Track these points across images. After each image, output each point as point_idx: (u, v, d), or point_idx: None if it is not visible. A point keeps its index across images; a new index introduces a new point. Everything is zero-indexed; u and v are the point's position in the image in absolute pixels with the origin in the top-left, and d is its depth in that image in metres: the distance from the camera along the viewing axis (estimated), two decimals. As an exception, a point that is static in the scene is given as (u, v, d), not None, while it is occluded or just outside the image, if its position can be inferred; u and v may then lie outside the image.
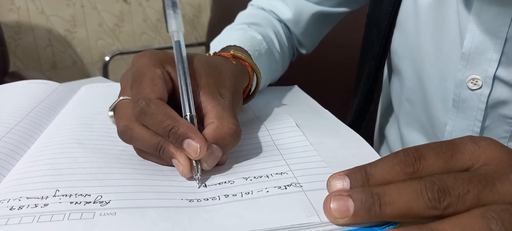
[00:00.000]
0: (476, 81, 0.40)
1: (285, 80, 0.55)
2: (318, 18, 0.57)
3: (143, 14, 1.66)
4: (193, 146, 0.28)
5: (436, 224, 0.21)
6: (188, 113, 0.30)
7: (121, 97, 0.33)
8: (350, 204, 0.22)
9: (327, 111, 0.43)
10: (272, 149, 0.32)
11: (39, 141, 0.35)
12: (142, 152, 0.32)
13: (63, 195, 0.26)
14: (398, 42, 0.49)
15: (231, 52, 0.39)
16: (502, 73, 0.39)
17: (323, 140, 0.34)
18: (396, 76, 0.52)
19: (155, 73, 0.32)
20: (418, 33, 0.45)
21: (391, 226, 0.23)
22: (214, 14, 1.33)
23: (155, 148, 0.29)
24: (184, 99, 0.31)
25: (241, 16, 0.56)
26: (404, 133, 0.53)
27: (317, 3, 0.55)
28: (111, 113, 0.34)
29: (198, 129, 0.29)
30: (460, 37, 0.41)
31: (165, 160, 0.30)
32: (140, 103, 0.29)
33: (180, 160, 0.28)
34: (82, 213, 0.24)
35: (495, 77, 0.39)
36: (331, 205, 0.23)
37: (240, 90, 0.37)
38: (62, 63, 1.58)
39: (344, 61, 0.97)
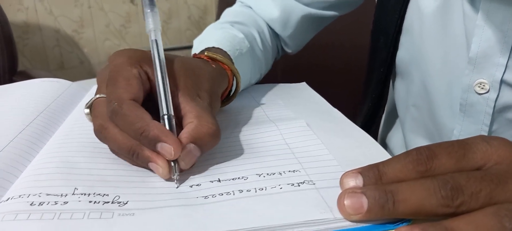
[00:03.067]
0: (484, 86, 0.40)
1: (291, 82, 0.55)
2: (307, 20, 0.56)
3: (150, 15, 1.67)
4: (166, 147, 0.27)
5: (450, 222, 0.21)
6: (165, 113, 0.30)
7: (97, 95, 0.32)
8: (364, 201, 0.23)
9: (336, 110, 0.43)
10: (284, 147, 0.33)
11: (54, 139, 0.36)
12: (115, 152, 0.31)
13: (81, 194, 0.26)
14: (404, 48, 0.49)
15: (206, 53, 0.39)
16: (510, 77, 0.39)
17: (333, 139, 0.34)
18: (402, 82, 0.52)
19: (131, 73, 0.31)
20: (423, 40, 0.45)
21: (404, 223, 0.23)
22: (219, 16, 1.33)
23: (127, 151, 0.29)
24: (162, 99, 0.30)
25: (226, 14, 0.57)
26: (410, 138, 0.53)
27: (307, 5, 0.55)
28: (87, 110, 0.33)
29: (176, 130, 0.29)
30: (467, 42, 0.41)
31: (139, 164, 0.30)
32: (112, 104, 0.29)
33: (158, 162, 0.28)
34: (101, 212, 0.25)
35: (502, 82, 0.39)
36: (345, 202, 0.23)
37: (218, 93, 0.37)
38: (69, 63, 1.60)
39: (350, 64, 0.98)
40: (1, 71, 1.16)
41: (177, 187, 0.28)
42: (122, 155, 0.31)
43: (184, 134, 0.29)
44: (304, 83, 0.54)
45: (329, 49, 1.03)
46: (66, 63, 1.59)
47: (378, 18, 0.52)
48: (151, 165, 0.29)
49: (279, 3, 0.55)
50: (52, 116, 0.41)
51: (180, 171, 0.28)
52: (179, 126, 0.31)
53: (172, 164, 0.28)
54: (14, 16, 1.44)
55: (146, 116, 0.29)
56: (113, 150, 0.31)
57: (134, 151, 0.29)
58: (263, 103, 0.44)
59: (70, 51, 1.59)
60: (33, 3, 1.47)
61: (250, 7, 0.57)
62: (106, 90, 0.31)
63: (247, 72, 0.48)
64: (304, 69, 0.99)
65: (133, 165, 0.31)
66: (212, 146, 0.30)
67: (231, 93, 0.42)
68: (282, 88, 0.51)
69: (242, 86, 0.46)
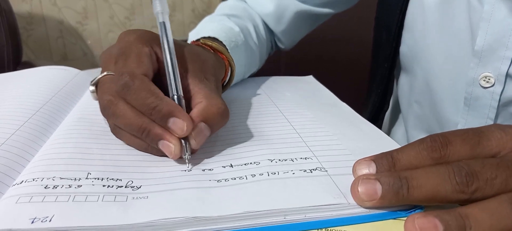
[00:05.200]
0: (489, 79, 0.40)
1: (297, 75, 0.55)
2: (301, 16, 0.56)
3: (154, 8, 1.67)
4: (179, 123, 0.27)
5: (464, 209, 0.21)
6: (175, 94, 0.30)
7: (104, 73, 0.31)
8: (378, 187, 0.23)
9: (344, 103, 0.43)
10: (295, 136, 0.33)
11: (64, 125, 0.36)
12: (119, 130, 0.30)
13: (95, 178, 0.27)
14: (407, 44, 0.49)
15: (201, 41, 0.39)
16: None
17: (343, 131, 0.34)
18: (405, 78, 0.52)
19: (142, 51, 0.31)
20: (426, 34, 0.45)
21: (417, 210, 0.23)
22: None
23: (137, 129, 0.28)
24: (171, 79, 0.30)
25: (222, 7, 0.57)
26: (412, 135, 0.53)
27: (302, 1, 0.55)
28: (93, 88, 0.32)
29: (186, 111, 0.29)
30: (471, 36, 0.41)
31: (148, 142, 0.29)
32: (124, 77, 0.29)
33: (170, 140, 0.28)
34: (116, 196, 0.25)
35: (507, 75, 0.39)
36: (359, 188, 0.23)
37: (220, 79, 0.37)
38: (72, 55, 1.59)
39: (355, 59, 0.97)
40: (6, 62, 1.16)
41: (189, 168, 0.28)
42: (125, 134, 0.30)
43: (195, 113, 0.29)
44: (311, 76, 0.54)
45: (334, 44, 1.02)
46: (70, 54, 1.59)
47: (379, 13, 0.52)
48: (161, 143, 0.28)
49: None
50: (60, 102, 0.41)
51: (191, 152, 0.28)
52: (188, 108, 0.31)
53: (183, 143, 0.28)
54: (18, 6, 1.44)
55: (159, 92, 0.29)
56: (115, 128, 0.31)
57: (145, 128, 0.28)
58: (271, 94, 0.44)
59: (73, 42, 1.59)
60: (38, -6, 1.47)
61: (245, 1, 0.57)
62: (116, 66, 0.31)
63: (241, 65, 0.48)
64: (309, 64, 0.99)
65: (131, 146, 0.30)
66: (221, 126, 0.31)
67: (225, 83, 0.42)
68: (290, 81, 0.51)
69: (236, 78, 0.46)
